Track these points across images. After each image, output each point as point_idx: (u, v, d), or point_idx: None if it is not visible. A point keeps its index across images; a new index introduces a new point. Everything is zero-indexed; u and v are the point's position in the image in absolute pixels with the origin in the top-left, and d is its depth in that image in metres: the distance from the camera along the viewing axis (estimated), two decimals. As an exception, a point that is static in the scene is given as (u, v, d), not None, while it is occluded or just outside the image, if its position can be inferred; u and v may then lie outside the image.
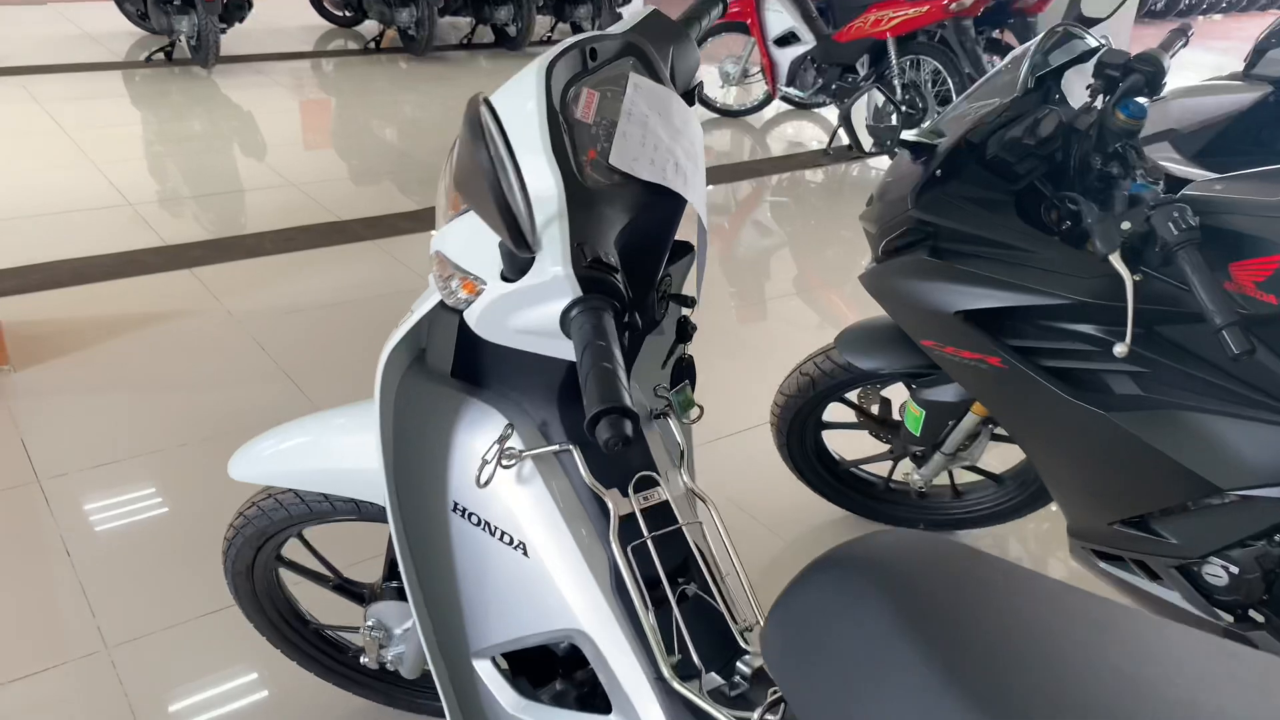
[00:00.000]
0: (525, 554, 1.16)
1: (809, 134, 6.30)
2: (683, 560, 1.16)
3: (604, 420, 0.75)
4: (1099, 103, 1.72)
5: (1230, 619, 1.76)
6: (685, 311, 1.23)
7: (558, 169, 0.90)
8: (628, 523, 1.13)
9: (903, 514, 2.43)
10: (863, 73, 5.41)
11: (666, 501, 1.15)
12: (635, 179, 0.97)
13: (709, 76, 6.74)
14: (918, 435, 2.11)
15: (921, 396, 2.06)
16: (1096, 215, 1.54)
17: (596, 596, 1.12)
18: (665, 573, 1.14)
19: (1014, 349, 1.69)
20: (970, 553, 0.86)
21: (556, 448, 1.14)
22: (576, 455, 1.13)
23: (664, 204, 1.02)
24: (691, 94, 1.20)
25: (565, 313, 0.85)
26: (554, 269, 0.83)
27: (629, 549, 1.12)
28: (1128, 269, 1.51)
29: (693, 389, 1.28)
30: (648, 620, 1.09)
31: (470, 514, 1.20)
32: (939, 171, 1.72)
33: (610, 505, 1.11)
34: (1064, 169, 1.75)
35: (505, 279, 0.86)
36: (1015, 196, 1.73)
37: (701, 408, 1.29)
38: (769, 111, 6.63)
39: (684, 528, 1.15)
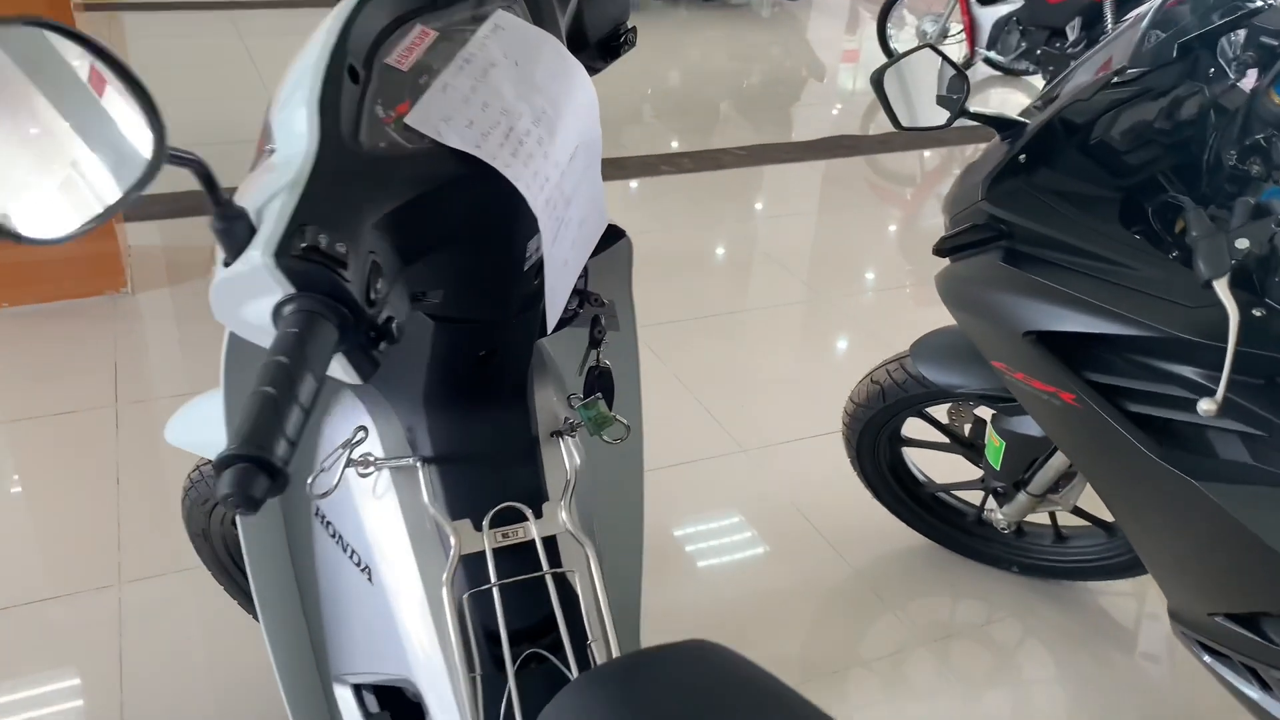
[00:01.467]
0: (370, 580, 0.99)
1: (1012, 103, 5.71)
2: (547, 616, 0.96)
3: (230, 470, 0.56)
4: (1249, 80, 1.33)
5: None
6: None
7: (316, 125, 0.71)
8: (478, 563, 0.94)
9: (993, 551, 2.09)
10: (1072, 37, 4.81)
11: (531, 542, 0.95)
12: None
13: (906, 34, 6.23)
14: (997, 469, 1.77)
15: (1002, 425, 1.72)
16: (1205, 228, 1.18)
17: (431, 646, 0.94)
18: (518, 630, 0.94)
19: (1092, 385, 1.35)
20: (760, 687, 0.63)
21: (409, 461, 0.96)
22: (421, 473, 0.94)
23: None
24: (615, 46, 0.97)
25: (276, 312, 0.66)
26: (255, 255, 0.64)
27: (466, 596, 0.93)
28: (1236, 301, 1.15)
29: (610, 404, 1.06)
30: (467, 684, 0.90)
31: (328, 522, 1.04)
32: (1023, 156, 1.39)
33: (452, 540, 0.92)
34: (1194, 163, 1.37)
35: (226, 262, 0.68)
36: (1121, 195, 1.38)
37: (627, 425, 1.07)
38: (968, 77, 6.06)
39: (549, 577, 0.94)
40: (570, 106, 0.82)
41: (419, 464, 0.95)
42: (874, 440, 1.98)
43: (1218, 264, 1.15)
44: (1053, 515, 2.00)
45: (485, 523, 0.93)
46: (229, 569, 1.60)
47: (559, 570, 0.95)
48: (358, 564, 1.00)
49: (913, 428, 2.02)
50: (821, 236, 3.85)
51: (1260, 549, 1.22)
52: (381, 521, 0.97)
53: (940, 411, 1.97)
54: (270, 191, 0.69)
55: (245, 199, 0.70)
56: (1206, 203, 1.32)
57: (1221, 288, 1.15)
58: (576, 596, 0.95)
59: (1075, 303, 1.33)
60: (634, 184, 4.23)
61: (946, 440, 2.00)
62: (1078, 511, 1.91)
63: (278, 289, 0.65)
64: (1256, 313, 1.19)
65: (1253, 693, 1.46)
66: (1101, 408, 1.33)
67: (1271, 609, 1.29)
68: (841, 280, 3.48)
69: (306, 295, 0.65)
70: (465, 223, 0.80)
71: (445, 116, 0.75)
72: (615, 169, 4.33)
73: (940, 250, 1.48)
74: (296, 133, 0.72)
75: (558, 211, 0.81)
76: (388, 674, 1.00)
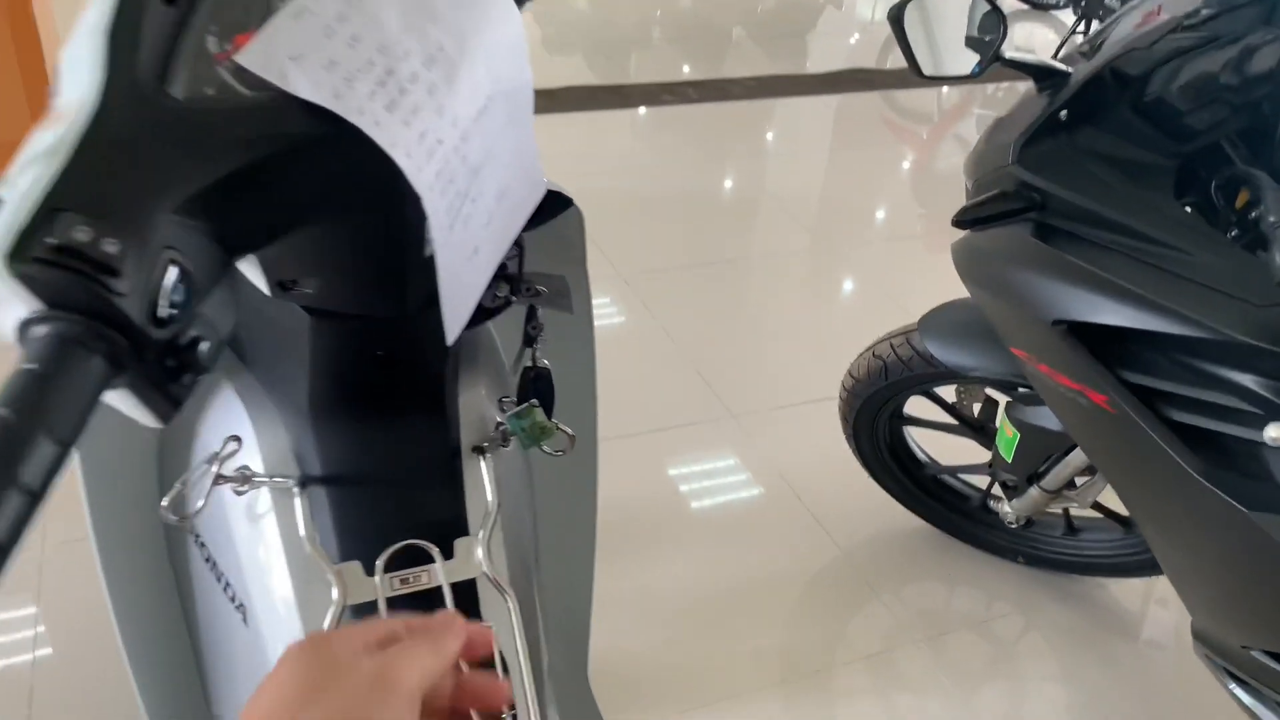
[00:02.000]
0: (245, 620, 0.82)
1: (1039, 39, 5.41)
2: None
3: None
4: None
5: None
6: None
7: (101, 64, 0.51)
8: (371, 613, 0.76)
9: (997, 540, 1.92)
10: (1111, -33, 4.48)
11: (439, 589, 0.77)
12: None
13: (932, -38, 5.88)
14: (1008, 461, 1.59)
15: (1017, 415, 1.53)
16: (1284, 211, 0.98)
17: None
18: None
19: (1130, 388, 1.15)
20: None
21: (290, 481, 0.77)
22: (298, 501, 0.76)
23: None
24: None
25: (20, 334, 0.47)
26: None
27: None
28: (1319, 305, 0.95)
29: (550, 412, 0.87)
30: None
31: (202, 543, 0.86)
32: (1064, 113, 1.17)
33: (334, 587, 0.74)
34: (1268, 128, 1.16)
35: None
36: (1178, 163, 1.16)
37: (571, 435, 0.88)
38: (998, 9, 5.73)
39: (455, 633, 0.76)
40: (481, 43, 0.62)
41: (297, 489, 0.76)
42: (873, 418, 1.80)
43: (1299, 259, 0.95)
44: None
45: (379, 565, 0.75)
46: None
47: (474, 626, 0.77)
48: (232, 599, 0.82)
49: (916, 405, 1.83)
50: (831, 178, 3.62)
51: (1318, 592, 1.04)
52: (259, 551, 0.79)
53: (948, 389, 1.78)
54: (28, 159, 0.49)
55: (11, 168, 0.50)
56: (1282, 177, 1.11)
57: (1301, 288, 0.95)
58: (493, 656, 0.77)
59: (1116, 291, 1.13)
60: (634, 114, 3.98)
61: (953, 421, 1.81)
62: (1095, 505, 1.73)
63: (19, 304, 0.46)
64: (1338, 317, 0.99)
65: (1283, 731, 1.30)
66: (1139, 415, 1.13)
67: (1323, 656, 1.12)
68: (850, 228, 3.26)
69: (59, 315, 0.45)
70: (331, 197, 0.60)
71: (295, 54, 0.55)
72: (614, 96, 4.07)
73: (961, 221, 1.27)
74: (78, 76, 0.51)
75: (458, 184, 0.61)
76: None
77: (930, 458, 1.92)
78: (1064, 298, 1.17)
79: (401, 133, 0.55)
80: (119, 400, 0.50)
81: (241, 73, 0.55)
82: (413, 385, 0.79)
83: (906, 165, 3.82)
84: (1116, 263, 1.14)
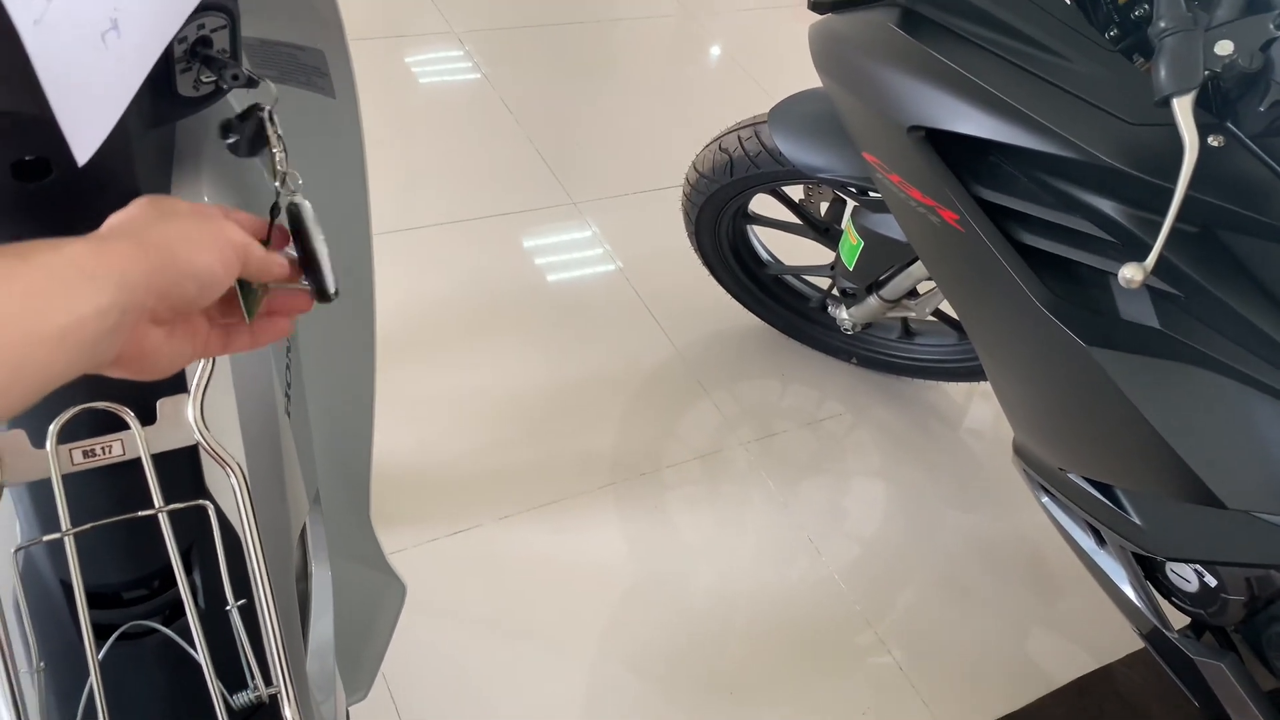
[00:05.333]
0: None
1: None
2: (166, 568, 0.64)
3: None
4: None
5: (1183, 627, 1.26)
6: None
7: None
8: (44, 492, 0.60)
9: (832, 341, 1.88)
10: None
11: (136, 463, 0.61)
12: None
13: None
14: (850, 269, 1.50)
15: (863, 222, 1.43)
16: (1178, 19, 0.84)
17: None
18: (117, 592, 0.63)
19: (983, 205, 1.05)
20: None
21: None
22: None
23: None
24: None
25: None
26: None
27: (18, 550, 0.60)
28: (1197, 128, 0.84)
29: (303, 250, 0.70)
30: (29, 679, 0.59)
31: None
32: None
33: None
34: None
35: None
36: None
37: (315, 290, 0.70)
38: None
39: (163, 516, 0.62)
40: None
41: None
42: (717, 216, 1.67)
43: (1185, 75, 0.82)
44: (904, 309, 1.78)
45: (51, 433, 0.59)
46: None
47: (182, 505, 0.62)
48: None
49: (761, 202, 1.71)
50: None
51: (1144, 431, 1.00)
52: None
53: (796, 186, 1.66)
54: None
55: None
56: (1176, -27, 0.97)
57: (1183, 108, 0.83)
58: (214, 540, 0.63)
59: (980, 97, 0.99)
60: None
61: (798, 221, 1.70)
62: (934, 312, 1.69)
63: None
64: (1213, 142, 0.89)
65: (1085, 543, 1.33)
66: (989, 236, 1.04)
67: (1138, 489, 1.11)
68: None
69: None
70: None
71: None
72: None
73: (818, 3, 1.09)
74: None
75: None
76: None
77: (773, 257, 1.82)
78: (923, 100, 1.03)
79: None
80: None
81: None
82: (85, 202, 0.60)
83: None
84: (984, 64, 1.00)
